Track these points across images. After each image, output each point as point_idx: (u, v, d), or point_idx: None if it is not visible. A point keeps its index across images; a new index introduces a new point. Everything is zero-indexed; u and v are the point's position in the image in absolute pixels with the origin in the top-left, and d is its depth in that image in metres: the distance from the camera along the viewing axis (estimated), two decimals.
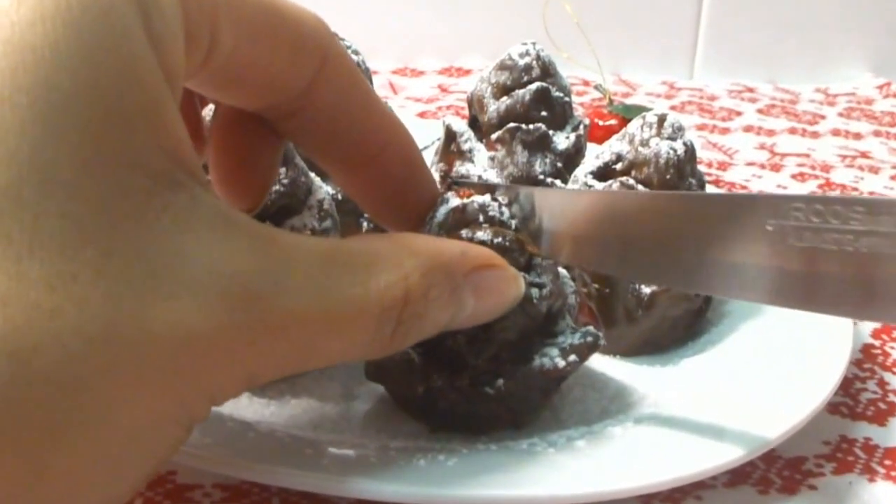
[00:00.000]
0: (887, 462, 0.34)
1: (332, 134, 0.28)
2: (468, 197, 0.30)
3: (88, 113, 0.18)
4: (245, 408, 0.32)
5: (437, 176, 0.33)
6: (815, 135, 0.75)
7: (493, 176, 0.44)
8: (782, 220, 0.24)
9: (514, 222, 0.30)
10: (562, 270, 0.33)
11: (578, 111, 0.50)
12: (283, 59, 0.25)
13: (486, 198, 0.31)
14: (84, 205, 0.18)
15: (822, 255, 0.23)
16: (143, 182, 0.19)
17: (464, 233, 0.30)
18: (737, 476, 0.31)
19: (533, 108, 0.44)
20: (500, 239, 0.30)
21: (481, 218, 0.30)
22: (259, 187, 0.29)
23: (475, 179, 0.44)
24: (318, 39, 0.26)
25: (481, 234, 0.30)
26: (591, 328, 0.32)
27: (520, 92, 0.44)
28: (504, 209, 0.31)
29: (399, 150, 0.29)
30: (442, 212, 0.31)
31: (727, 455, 0.29)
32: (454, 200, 0.31)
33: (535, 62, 0.45)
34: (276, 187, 0.34)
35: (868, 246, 0.22)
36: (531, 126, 0.44)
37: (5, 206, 0.17)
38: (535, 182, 0.43)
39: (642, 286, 0.37)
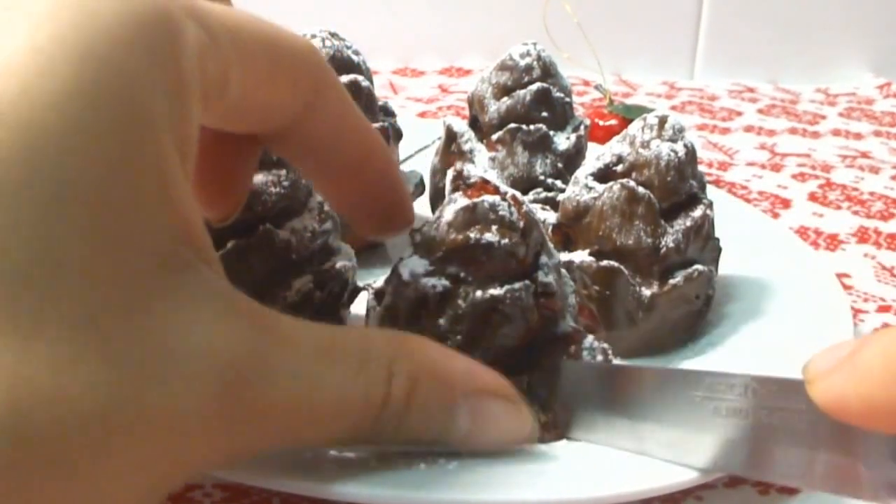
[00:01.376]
0: None
1: (321, 152, 0.28)
2: (477, 196, 0.30)
3: (100, 196, 0.18)
4: None
5: (449, 175, 0.33)
6: (815, 135, 0.75)
7: (493, 177, 0.44)
8: (709, 392, 0.26)
9: (521, 224, 0.30)
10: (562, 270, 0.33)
11: (579, 111, 0.50)
12: (280, 89, 0.25)
13: (496, 198, 0.30)
14: (92, 289, 0.18)
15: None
16: (151, 265, 0.19)
17: (472, 233, 0.29)
18: (737, 477, 0.31)
19: (533, 109, 0.44)
20: (506, 240, 0.29)
21: (491, 217, 0.30)
22: (234, 198, 0.29)
23: (470, 178, 0.44)
24: (313, 67, 0.26)
25: (489, 236, 0.29)
26: (604, 345, 0.31)
27: (520, 92, 0.44)
28: (513, 210, 0.30)
29: (379, 165, 0.30)
30: (450, 211, 0.30)
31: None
32: (462, 200, 0.30)
33: (535, 62, 0.45)
34: (277, 189, 0.34)
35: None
36: (532, 127, 0.44)
37: (16, 287, 0.17)
38: (535, 183, 0.43)
39: (643, 288, 0.37)
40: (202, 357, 0.19)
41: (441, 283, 0.29)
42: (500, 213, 0.30)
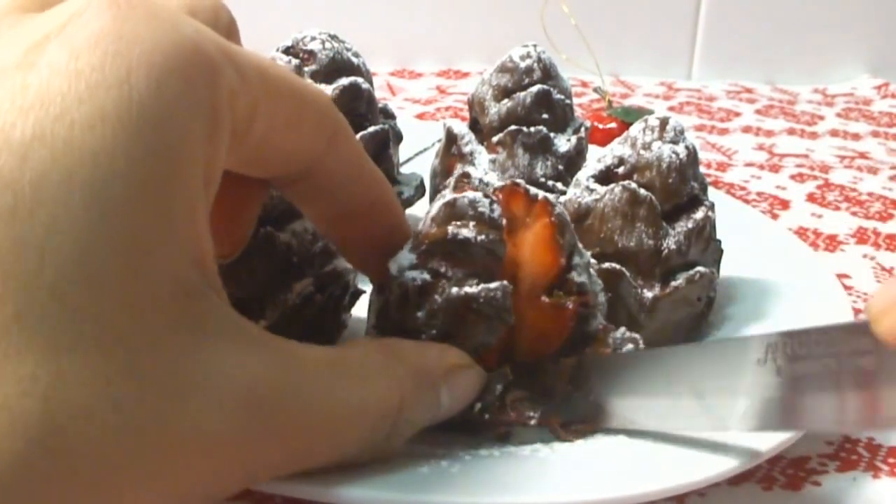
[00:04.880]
0: (891, 460, 0.34)
1: (331, 196, 0.29)
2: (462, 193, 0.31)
3: (133, 220, 0.19)
4: None
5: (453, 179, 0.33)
6: (813, 135, 0.75)
7: (494, 179, 0.44)
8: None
9: (503, 221, 0.30)
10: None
11: (577, 112, 0.50)
12: (303, 135, 0.26)
13: (478, 194, 0.30)
14: (122, 311, 0.19)
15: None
16: (176, 292, 0.20)
17: (451, 228, 0.30)
18: (741, 474, 0.31)
19: (534, 111, 0.44)
20: (483, 237, 0.30)
21: (470, 212, 0.30)
22: (240, 236, 0.30)
23: (476, 182, 0.44)
24: (330, 117, 0.27)
25: (466, 232, 0.29)
26: (634, 335, 0.32)
27: (521, 94, 0.44)
28: (495, 206, 0.30)
29: (385, 207, 0.31)
30: (436, 205, 0.31)
31: (732, 460, 0.29)
32: (448, 195, 0.31)
33: (536, 64, 0.45)
34: (278, 192, 0.34)
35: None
36: (532, 129, 0.44)
37: (52, 305, 0.18)
38: (536, 185, 0.43)
39: (644, 290, 0.37)
40: (224, 380, 0.20)
41: (421, 276, 0.30)
42: (480, 209, 0.30)
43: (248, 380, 0.21)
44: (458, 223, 0.30)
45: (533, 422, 0.30)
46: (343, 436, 0.24)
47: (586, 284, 0.31)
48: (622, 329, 0.32)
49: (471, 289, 0.29)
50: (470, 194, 0.30)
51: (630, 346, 0.32)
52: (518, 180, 0.32)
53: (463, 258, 0.30)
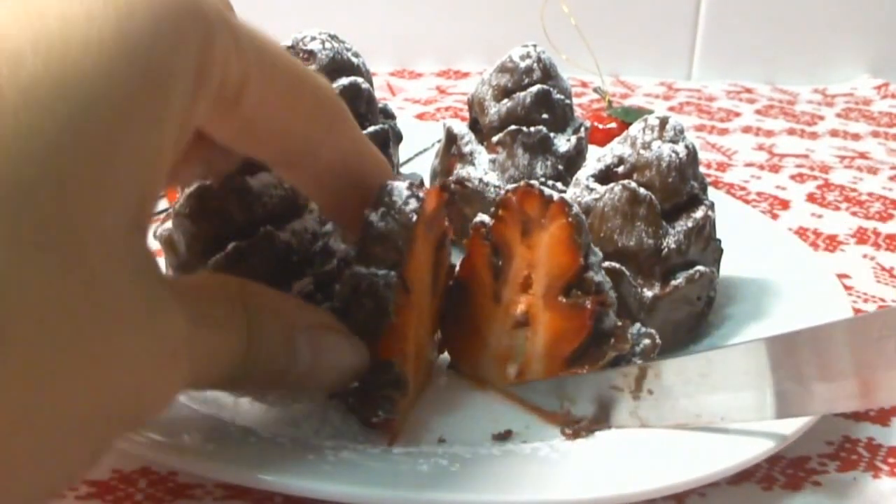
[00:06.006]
0: (891, 460, 0.34)
1: (331, 184, 0.30)
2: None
3: (111, 140, 0.20)
4: (247, 413, 0.32)
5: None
6: (813, 135, 0.75)
7: (494, 179, 0.44)
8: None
9: (413, 216, 0.30)
10: None
11: (577, 112, 0.50)
12: (297, 118, 0.27)
13: (403, 184, 0.30)
14: (81, 214, 0.19)
15: None
16: (128, 213, 0.21)
17: (366, 210, 0.30)
18: (741, 474, 0.31)
19: (534, 111, 0.44)
20: (384, 223, 0.29)
21: (385, 199, 0.30)
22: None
23: (476, 182, 0.44)
24: (331, 104, 0.28)
25: (374, 216, 0.30)
26: (649, 330, 0.32)
27: (520, 94, 0.44)
28: (411, 201, 0.30)
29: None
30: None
31: (731, 459, 0.29)
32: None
33: (535, 64, 0.45)
34: (278, 191, 0.34)
35: None
36: (532, 128, 0.44)
37: (22, 203, 0.18)
38: None
39: (644, 289, 0.37)
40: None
41: (350, 250, 0.31)
42: (393, 198, 0.30)
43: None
44: (371, 208, 0.30)
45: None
46: (211, 359, 0.25)
47: (603, 283, 0.32)
48: (637, 325, 0.33)
49: (361, 269, 0.30)
50: (395, 183, 0.30)
51: (647, 341, 0.32)
52: (532, 181, 0.32)
53: (367, 240, 0.30)
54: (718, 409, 0.30)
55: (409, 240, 0.30)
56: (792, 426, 0.30)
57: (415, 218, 0.30)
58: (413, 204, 0.30)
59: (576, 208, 0.32)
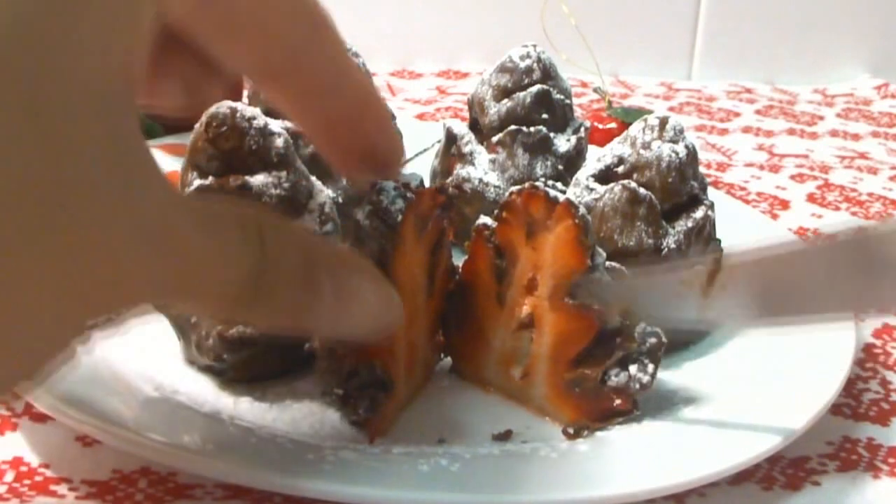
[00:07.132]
0: (891, 460, 0.34)
1: (315, 99, 0.28)
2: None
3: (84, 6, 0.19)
4: (246, 412, 0.32)
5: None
6: (813, 135, 0.75)
7: (494, 179, 0.44)
8: None
9: (399, 217, 0.30)
10: None
11: (577, 113, 0.50)
12: (276, 14, 0.26)
13: (391, 184, 0.30)
14: (51, 77, 0.18)
15: None
16: (104, 88, 0.19)
17: (356, 209, 0.30)
18: (741, 474, 0.31)
19: (534, 111, 0.44)
20: (368, 222, 0.29)
21: (373, 198, 0.30)
22: (198, 101, 0.29)
23: (476, 182, 0.44)
24: (311, 5, 0.27)
25: (360, 215, 0.29)
26: (655, 329, 0.32)
27: (520, 94, 0.44)
28: (398, 200, 0.30)
29: (373, 120, 0.30)
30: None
31: (731, 459, 0.29)
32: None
33: (535, 64, 0.45)
34: (278, 191, 0.34)
35: None
36: (532, 129, 0.44)
37: None
38: None
39: None
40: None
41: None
42: (381, 196, 0.30)
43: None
44: (358, 207, 0.30)
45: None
46: (217, 275, 0.22)
47: (610, 283, 0.32)
48: (642, 324, 0.32)
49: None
50: (388, 183, 0.30)
51: (653, 339, 0.32)
52: (537, 183, 0.32)
53: (355, 241, 0.30)
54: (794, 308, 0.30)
55: (394, 239, 0.30)
56: (792, 426, 0.31)
57: (400, 218, 0.29)
58: (400, 204, 0.30)
59: (582, 209, 0.32)
